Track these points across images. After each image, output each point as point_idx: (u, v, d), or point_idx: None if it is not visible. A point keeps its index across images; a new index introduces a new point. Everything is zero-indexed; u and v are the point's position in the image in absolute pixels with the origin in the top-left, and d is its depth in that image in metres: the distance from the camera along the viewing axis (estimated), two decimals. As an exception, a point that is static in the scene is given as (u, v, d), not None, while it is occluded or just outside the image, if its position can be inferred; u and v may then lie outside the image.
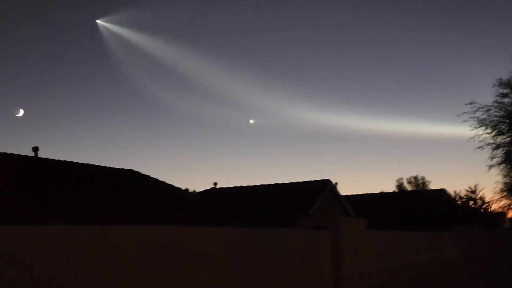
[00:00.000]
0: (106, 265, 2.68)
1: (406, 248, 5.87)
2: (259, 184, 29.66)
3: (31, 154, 19.97)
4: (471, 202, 16.86)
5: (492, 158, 24.70)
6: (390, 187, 70.90)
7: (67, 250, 2.51)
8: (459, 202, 17.23)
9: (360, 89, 54.43)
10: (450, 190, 31.23)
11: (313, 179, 28.31)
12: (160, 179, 22.81)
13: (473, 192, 17.17)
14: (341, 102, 55.68)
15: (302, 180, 28.71)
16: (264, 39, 47.37)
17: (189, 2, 39.55)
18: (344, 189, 65.41)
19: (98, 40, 35.90)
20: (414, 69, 51.71)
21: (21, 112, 39.82)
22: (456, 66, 48.27)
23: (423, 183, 55.40)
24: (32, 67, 44.36)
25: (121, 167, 22.13)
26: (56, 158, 20.18)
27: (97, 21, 33.04)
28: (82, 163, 20.63)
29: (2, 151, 18.27)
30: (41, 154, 20.32)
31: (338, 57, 49.02)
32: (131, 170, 22.49)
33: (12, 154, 18.86)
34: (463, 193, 22.60)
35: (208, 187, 31.54)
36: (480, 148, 24.47)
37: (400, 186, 56.15)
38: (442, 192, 32.28)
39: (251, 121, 49.81)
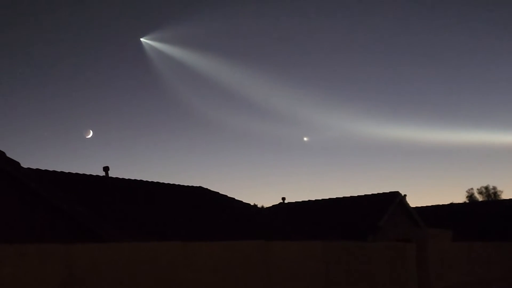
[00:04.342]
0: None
1: (490, 260, 5.73)
2: (327, 198, 29.46)
3: (102, 173, 20.51)
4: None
5: None
6: (460, 198, 69.07)
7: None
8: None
9: (427, 100, 53.43)
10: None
11: (381, 192, 27.88)
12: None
13: None
14: (407, 113, 54.76)
15: (369, 193, 28.34)
16: (325, 54, 47.26)
17: (241, 18, 39.82)
18: (413, 201, 64.24)
19: (146, 59, 36.61)
20: (485, 78, 50.29)
21: (90, 133, 41.13)
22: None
23: (495, 193, 53.74)
24: (94, 90, 45.87)
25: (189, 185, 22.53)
26: (125, 177, 20.70)
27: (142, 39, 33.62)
28: (152, 182, 21.08)
29: (74, 171, 18.87)
30: (111, 173, 20.84)
31: (403, 69, 48.34)
32: (200, 187, 22.83)
33: (84, 174, 19.43)
34: None
35: (275, 202, 31.65)
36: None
37: (470, 196, 54.68)
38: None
39: (305, 139, 50.03)
